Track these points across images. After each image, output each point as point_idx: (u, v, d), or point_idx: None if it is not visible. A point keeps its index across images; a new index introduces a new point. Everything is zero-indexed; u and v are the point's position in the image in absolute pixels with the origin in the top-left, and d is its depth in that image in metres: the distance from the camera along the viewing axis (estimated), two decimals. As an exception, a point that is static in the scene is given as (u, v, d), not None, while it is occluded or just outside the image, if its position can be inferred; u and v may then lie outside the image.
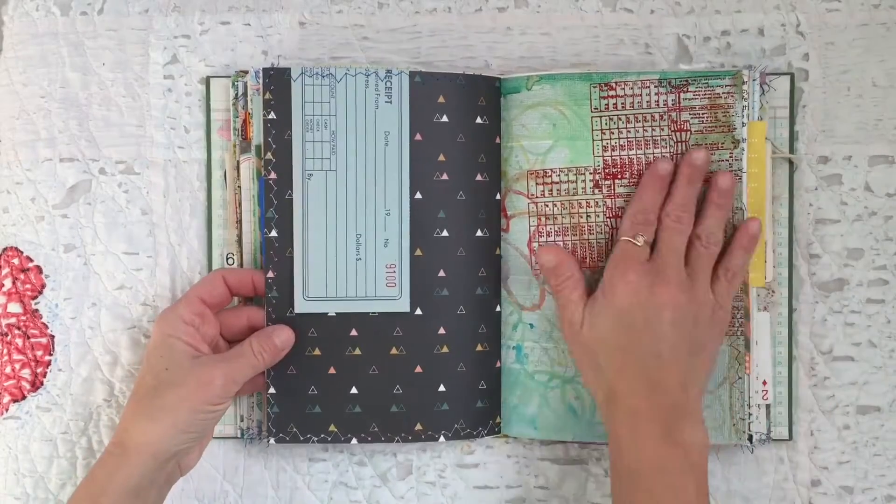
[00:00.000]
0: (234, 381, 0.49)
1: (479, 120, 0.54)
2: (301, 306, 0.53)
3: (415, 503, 0.56)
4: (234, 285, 0.53)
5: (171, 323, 0.50)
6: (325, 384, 0.53)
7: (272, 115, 0.53)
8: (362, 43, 0.57)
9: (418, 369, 0.54)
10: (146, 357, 0.50)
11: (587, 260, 0.53)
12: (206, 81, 0.56)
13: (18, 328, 0.56)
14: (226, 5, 0.57)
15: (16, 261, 0.56)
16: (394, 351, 0.54)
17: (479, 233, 0.54)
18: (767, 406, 0.54)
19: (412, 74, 0.53)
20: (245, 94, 0.54)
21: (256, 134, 0.53)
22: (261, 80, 0.53)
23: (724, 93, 0.52)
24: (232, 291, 0.53)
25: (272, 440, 0.53)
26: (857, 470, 0.55)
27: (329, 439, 0.54)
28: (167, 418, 0.47)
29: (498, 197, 0.55)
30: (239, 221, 0.54)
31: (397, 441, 0.54)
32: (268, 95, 0.53)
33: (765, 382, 0.54)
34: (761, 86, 0.53)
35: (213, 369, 0.48)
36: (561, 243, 0.54)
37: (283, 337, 0.51)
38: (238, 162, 0.54)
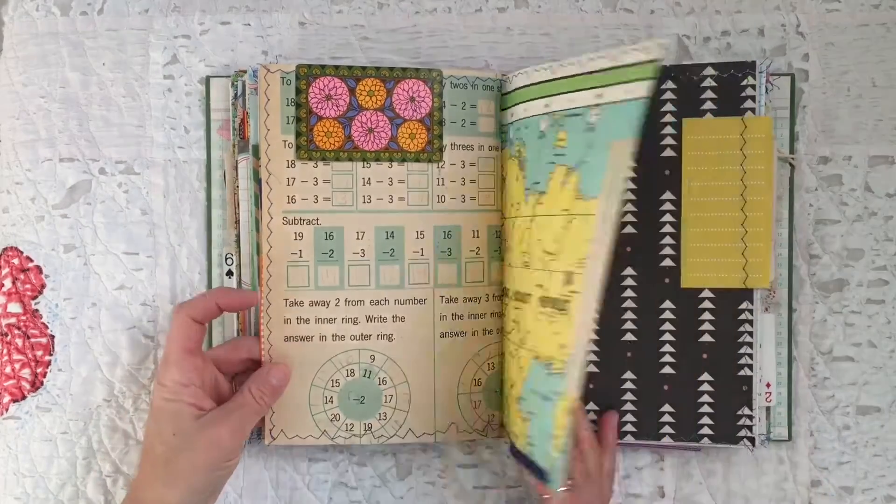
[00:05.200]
0: (241, 433, 0.48)
1: None
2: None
3: (415, 503, 0.56)
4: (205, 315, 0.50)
5: (170, 389, 0.48)
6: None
7: None
8: (362, 43, 0.57)
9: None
10: (152, 421, 0.48)
11: None
12: (206, 81, 0.56)
13: (18, 328, 0.56)
14: (226, 5, 0.57)
15: (16, 261, 0.56)
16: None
17: None
18: (768, 407, 0.54)
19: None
20: (244, 93, 0.54)
21: (254, 134, 0.53)
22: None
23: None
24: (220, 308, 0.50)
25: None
26: (857, 470, 0.55)
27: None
28: (182, 483, 0.46)
29: None
30: (237, 222, 0.54)
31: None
32: None
33: (768, 385, 0.54)
34: (766, 84, 0.53)
35: (220, 428, 0.47)
36: None
37: (279, 376, 0.51)
38: (236, 161, 0.54)
